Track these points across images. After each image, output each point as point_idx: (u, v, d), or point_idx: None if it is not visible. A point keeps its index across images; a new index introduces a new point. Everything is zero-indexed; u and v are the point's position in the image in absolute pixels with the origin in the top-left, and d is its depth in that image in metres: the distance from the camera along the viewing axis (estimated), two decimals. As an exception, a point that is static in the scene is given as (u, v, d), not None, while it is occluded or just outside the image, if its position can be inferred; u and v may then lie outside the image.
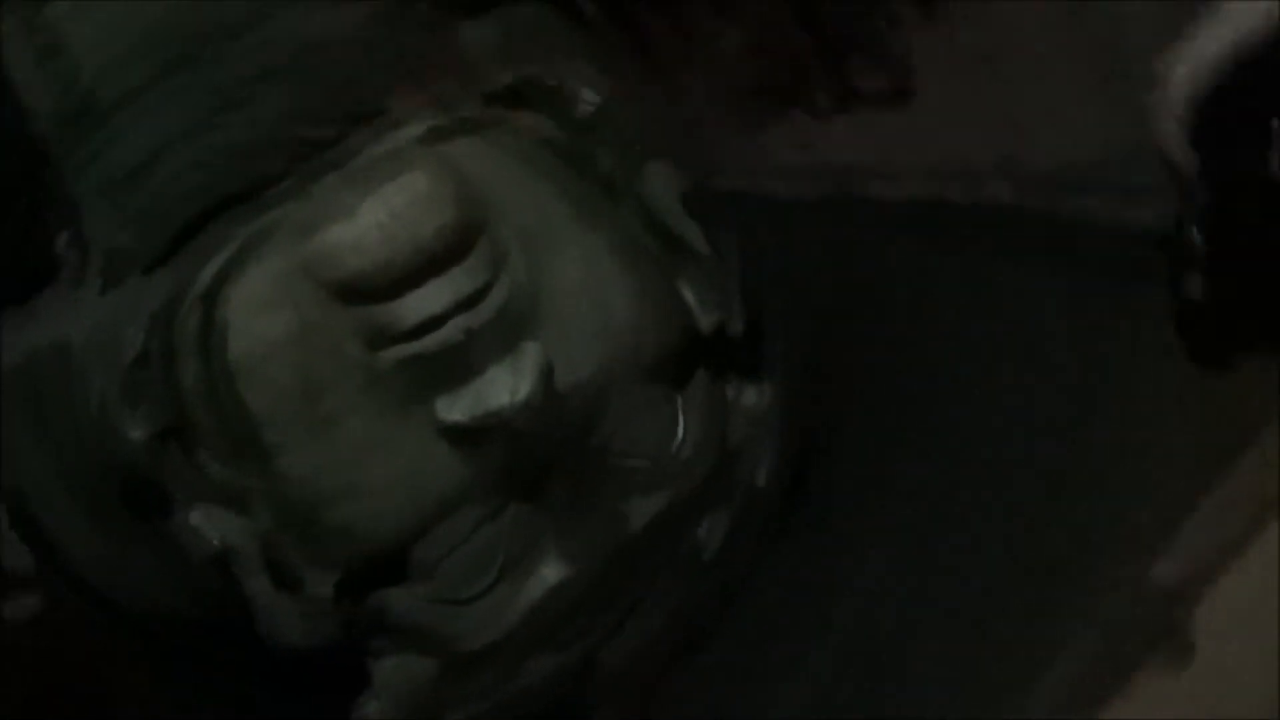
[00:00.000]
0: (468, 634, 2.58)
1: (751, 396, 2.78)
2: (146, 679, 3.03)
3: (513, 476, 2.52)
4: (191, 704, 2.95)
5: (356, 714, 2.61)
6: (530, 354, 2.46)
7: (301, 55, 2.70)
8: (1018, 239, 3.27)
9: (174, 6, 2.68)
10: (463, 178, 2.50)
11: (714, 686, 2.73)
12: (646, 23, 4.58)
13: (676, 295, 2.70)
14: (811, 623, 2.72)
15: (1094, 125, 3.41)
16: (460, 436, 2.46)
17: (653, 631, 2.71)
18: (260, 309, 2.52)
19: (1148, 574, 2.44)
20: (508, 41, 2.85)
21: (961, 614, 2.61)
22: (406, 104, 2.69)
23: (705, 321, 2.71)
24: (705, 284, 2.72)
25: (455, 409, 2.45)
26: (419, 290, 2.44)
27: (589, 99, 2.70)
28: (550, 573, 2.58)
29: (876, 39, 4.41)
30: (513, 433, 2.45)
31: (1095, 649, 2.42)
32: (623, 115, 2.73)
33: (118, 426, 2.54)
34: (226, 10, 2.69)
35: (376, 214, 2.44)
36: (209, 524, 2.54)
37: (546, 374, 2.45)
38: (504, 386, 2.44)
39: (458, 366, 2.46)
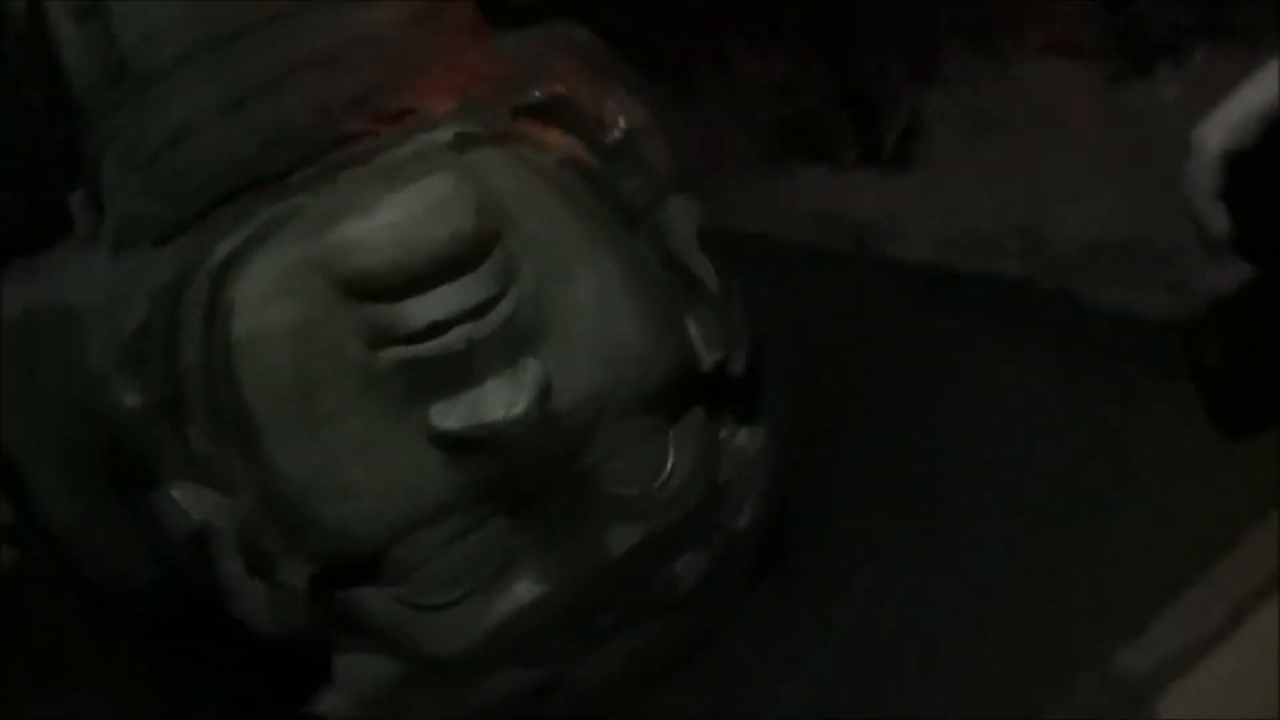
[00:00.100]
0: (435, 641, 2.57)
1: (744, 438, 2.78)
2: (101, 646, 3.04)
3: (499, 490, 2.52)
4: (144, 676, 2.96)
5: (315, 706, 2.60)
6: (530, 371, 2.46)
7: (337, 49, 2.70)
8: (1026, 315, 3.28)
9: None
10: (485, 188, 2.49)
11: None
12: (684, 53, 4.61)
13: (682, 329, 2.70)
14: (781, 666, 2.73)
15: (1115, 208, 3.43)
16: (452, 444, 2.46)
17: (619, 660, 2.71)
18: (268, 295, 2.51)
19: (1117, 663, 2.45)
20: (545, 57, 2.86)
21: (929, 684, 2.62)
22: (437, 107, 2.69)
23: (707, 358, 2.72)
24: (712, 321, 2.72)
25: (450, 417, 2.45)
26: (427, 295, 2.43)
27: (620, 126, 2.70)
28: (524, 590, 2.57)
29: (899, 97, 4.45)
30: (504, 446, 2.45)
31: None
32: (651, 145, 2.73)
33: (112, 393, 2.54)
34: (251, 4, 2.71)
35: (395, 213, 2.43)
36: (190, 501, 2.54)
37: (544, 392, 2.44)
38: (500, 400, 2.43)
39: (456, 375, 2.45)
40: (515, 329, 2.48)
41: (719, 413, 2.74)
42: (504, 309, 2.48)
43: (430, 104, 2.69)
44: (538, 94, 2.70)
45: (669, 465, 2.66)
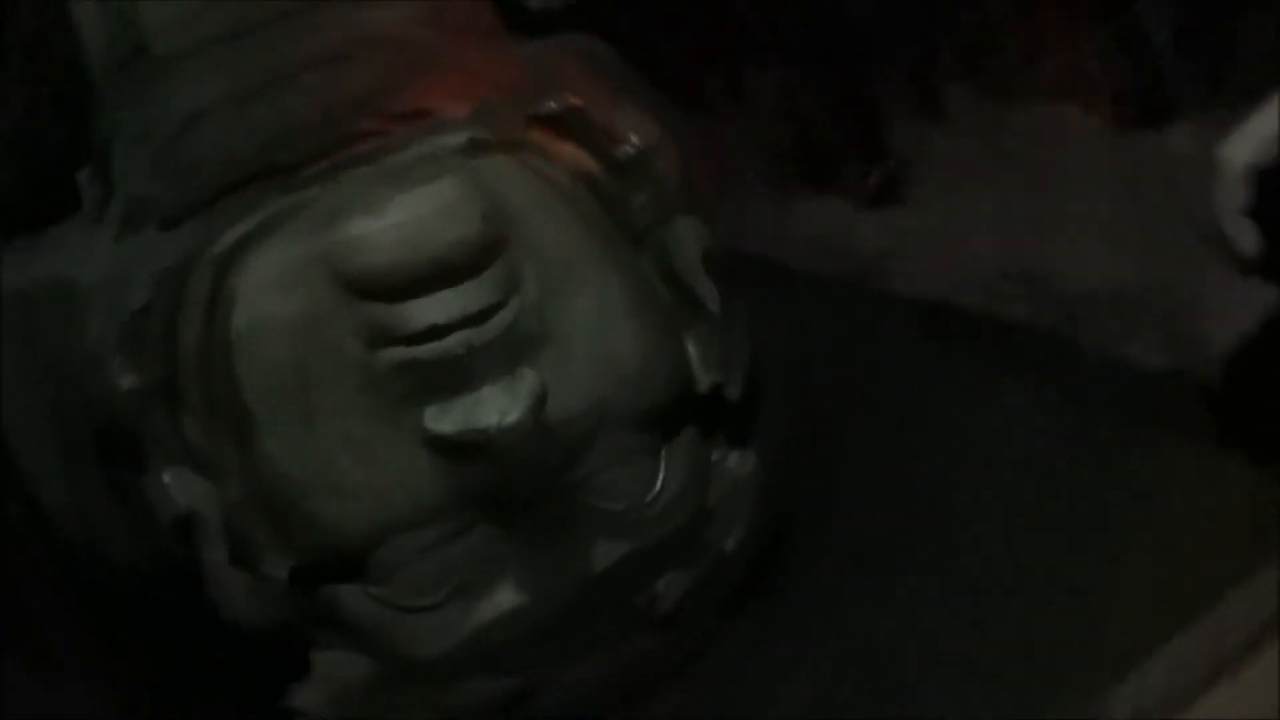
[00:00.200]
0: (414, 643, 2.57)
1: (735, 462, 2.78)
2: (75, 623, 3.04)
3: (488, 497, 2.52)
4: (123, 661, 2.96)
5: (289, 700, 2.60)
6: (526, 380, 2.46)
7: (351, 46, 2.71)
8: (1026, 359, 3.29)
9: None
10: (493, 195, 2.50)
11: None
12: (697, 71, 4.62)
13: (681, 349, 2.70)
14: (757, 701, 2.73)
15: (1120, 257, 3.45)
16: (444, 448, 2.46)
17: (596, 674, 2.71)
18: (271, 286, 2.52)
19: (1106, 703, 2.45)
20: (560, 67, 2.87)
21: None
22: (450, 111, 2.69)
23: (704, 380, 2.72)
24: (711, 343, 2.72)
25: (444, 420, 2.45)
26: (428, 297, 2.44)
27: (632, 142, 2.71)
28: (506, 598, 2.57)
29: (906, 130, 4.45)
30: (496, 454, 2.45)
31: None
32: (662, 163, 2.74)
33: (109, 373, 2.54)
34: None
35: (401, 214, 2.44)
36: (179, 486, 2.54)
37: (539, 402, 2.45)
38: (495, 407, 2.44)
39: (453, 379, 2.46)
40: (515, 337, 2.49)
41: (712, 434, 2.74)
42: (505, 317, 2.48)
43: (443, 107, 2.70)
44: (552, 104, 2.71)
45: (659, 483, 2.66)
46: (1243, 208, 2.50)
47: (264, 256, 2.54)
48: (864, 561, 2.89)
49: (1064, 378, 3.22)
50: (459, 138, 2.63)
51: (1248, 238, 2.49)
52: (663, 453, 2.67)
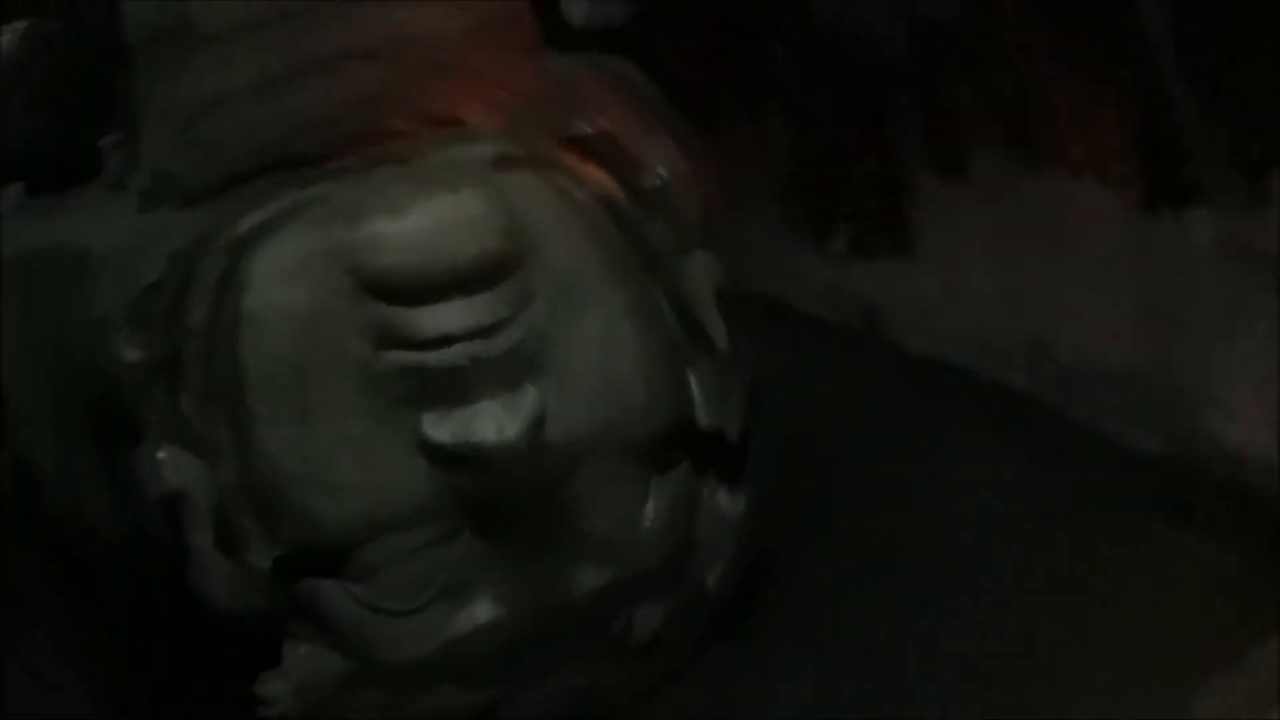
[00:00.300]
0: (388, 645, 2.57)
1: (725, 500, 2.78)
2: (51, 590, 3.04)
3: (475, 508, 2.53)
4: (89, 628, 2.96)
5: (257, 686, 2.60)
6: (528, 398, 2.48)
7: (389, 44, 2.72)
8: (1022, 427, 3.30)
9: None
10: (516, 212, 2.52)
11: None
12: (725, 109, 4.63)
13: (683, 383, 2.71)
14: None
15: (1127, 340, 3.44)
16: (438, 457, 2.47)
17: (562, 695, 2.70)
18: (284, 275, 2.53)
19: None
20: (594, 90, 2.88)
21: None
22: (483, 121, 2.70)
23: (704, 416, 2.72)
24: (714, 381, 2.73)
25: (441, 429, 2.46)
26: (440, 305, 2.46)
27: (658, 172, 2.72)
28: (483, 611, 2.58)
29: (926, 186, 4.46)
30: (489, 468, 2.46)
31: None
32: (683, 196, 2.75)
33: (114, 344, 2.55)
34: None
35: (423, 219, 2.46)
36: (172, 465, 2.55)
37: (538, 422, 2.47)
38: (494, 422, 2.45)
39: (454, 389, 2.47)
40: (520, 355, 2.50)
41: (705, 470, 2.75)
42: (513, 333, 2.49)
43: (477, 116, 2.71)
44: (583, 127, 2.72)
45: (647, 513, 2.67)
46: None
47: (280, 244, 2.55)
48: (833, 610, 2.90)
49: (1056, 451, 3.23)
50: (488, 150, 2.64)
51: None
52: (654, 483, 2.68)
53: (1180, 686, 2.47)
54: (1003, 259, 3.92)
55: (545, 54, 2.92)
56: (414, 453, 2.49)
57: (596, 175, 2.70)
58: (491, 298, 2.48)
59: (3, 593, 3.00)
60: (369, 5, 2.74)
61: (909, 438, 3.27)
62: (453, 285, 2.45)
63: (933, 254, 4.12)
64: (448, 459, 2.47)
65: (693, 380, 2.72)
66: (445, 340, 2.46)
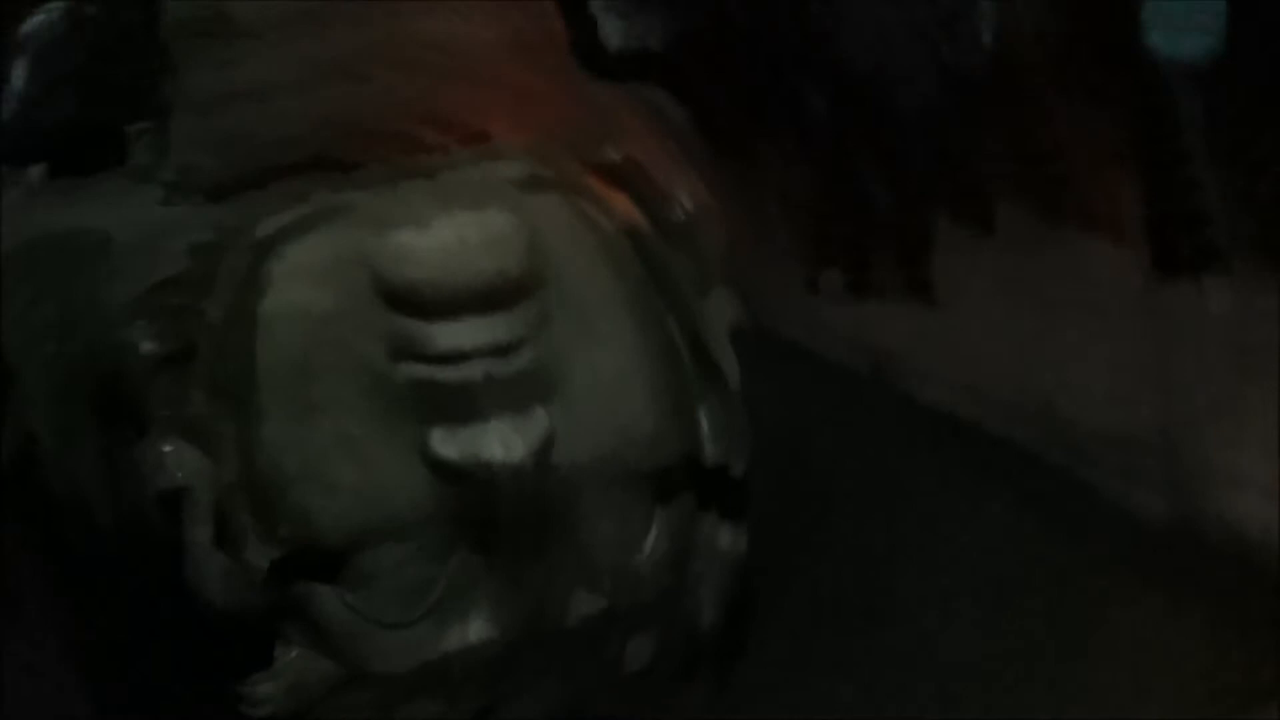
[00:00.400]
0: (378, 656, 2.57)
1: (725, 539, 2.77)
2: (43, 571, 3.04)
3: (474, 526, 2.52)
4: (86, 629, 2.96)
5: (246, 687, 2.59)
6: (537, 420, 2.48)
7: (427, 54, 2.72)
8: (1026, 483, 3.30)
9: None
10: (538, 234, 2.52)
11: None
12: (751, 140, 4.64)
13: (693, 419, 2.70)
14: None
15: (1138, 403, 3.46)
16: (443, 471, 2.47)
17: (547, 713, 2.70)
18: (305, 277, 2.53)
19: None
20: (627, 117, 2.88)
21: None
22: (514, 140, 2.71)
23: (711, 453, 2.71)
24: (723, 418, 2.72)
25: (448, 445, 2.46)
26: (457, 321, 2.46)
27: (685, 206, 2.72)
28: (475, 629, 2.57)
29: (955, 237, 4.48)
30: (492, 487, 2.46)
31: None
32: (708, 231, 2.75)
33: (129, 334, 2.55)
34: None
35: (447, 235, 2.46)
36: (177, 459, 2.54)
37: (546, 444, 2.47)
38: (501, 441, 2.45)
39: (465, 406, 2.47)
40: (532, 377, 2.50)
41: (707, 508, 2.74)
42: (527, 354, 2.49)
43: (506, 134, 2.71)
44: (614, 155, 2.72)
45: (647, 546, 2.66)
46: None
47: (304, 248, 2.55)
48: (816, 662, 2.91)
49: (1059, 509, 3.24)
50: (515, 170, 2.64)
51: None
52: (656, 515, 2.68)
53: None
54: (1017, 313, 3.94)
55: (580, 77, 2.93)
56: (416, 464, 2.49)
57: (622, 204, 2.70)
58: (508, 318, 2.48)
59: (3, 593, 3.00)
60: (406, 13, 2.75)
61: (910, 487, 3.28)
62: (471, 302, 2.45)
63: (948, 302, 4.14)
64: (453, 474, 2.47)
65: (702, 415, 2.71)
66: (459, 356, 2.46)
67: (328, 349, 2.52)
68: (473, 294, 2.45)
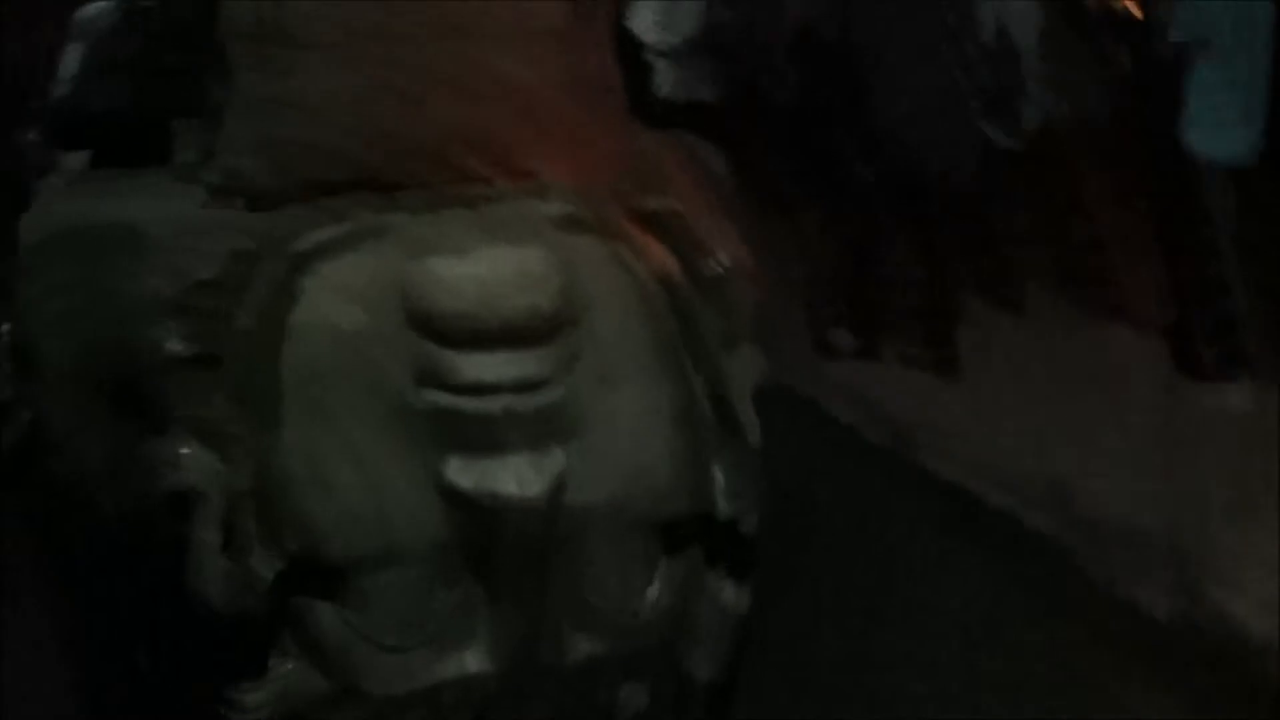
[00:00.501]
0: (373, 678, 2.56)
1: (730, 596, 2.77)
2: (48, 590, 3.05)
3: (478, 559, 2.53)
4: (86, 629, 2.96)
5: (237, 693, 2.59)
6: (553, 459, 2.49)
7: (487, 84, 2.73)
8: (1031, 567, 3.30)
9: None
10: (573, 275, 2.53)
11: None
12: (788, 199, 4.67)
13: (708, 473, 2.70)
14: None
15: (1150, 497, 3.46)
16: (455, 500, 2.48)
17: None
18: (339, 294, 2.54)
19: None
20: (672, 167, 2.89)
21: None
22: (557, 179, 2.72)
23: (723, 509, 2.71)
24: (740, 475, 2.72)
25: (464, 475, 2.47)
26: (484, 353, 2.47)
27: (720, 260, 2.73)
28: (472, 661, 2.57)
29: (971, 314, 4.49)
30: (504, 521, 2.47)
31: None
32: (740, 288, 2.76)
33: (158, 332, 2.55)
34: (429, 9, 2.74)
35: (483, 268, 2.48)
36: (193, 461, 2.54)
37: (559, 484, 2.48)
38: (516, 477, 2.46)
39: (483, 438, 2.47)
40: (553, 416, 2.51)
41: (714, 562, 2.75)
42: (550, 394, 2.50)
43: (553, 173, 2.72)
44: (654, 203, 2.73)
45: (651, 593, 2.66)
46: None
47: (340, 265, 2.56)
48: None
49: (1061, 593, 3.24)
50: (556, 209, 2.66)
51: None
52: (663, 565, 2.68)
53: None
54: (1038, 395, 3.95)
55: (629, 123, 2.93)
56: (428, 491, 2.50)
57: (659, 252, 2.71)
58: (536, 355, 2.49)
59: (2, 593, 3.00)
60: (467, 44, 2.75)
61: (914, 560, 3.28)
62: (500, 336, 2.47)
63: (969, 379, 4.15)
64: (465, 505, 2.47)
65: (717, 471, 2.72)
66: (483, 388, 2.47)
67: (353, 367, 2.53)
68: (503, 328, 2.46)
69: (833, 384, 4.02)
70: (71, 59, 3.52)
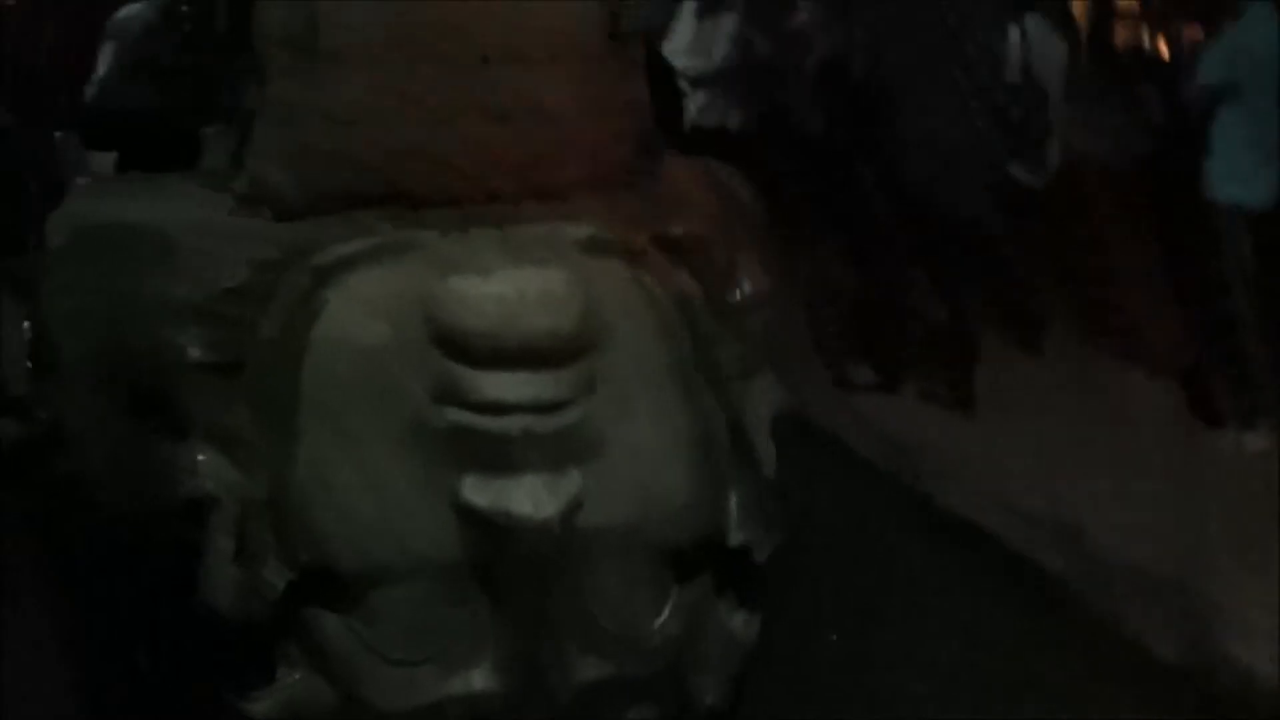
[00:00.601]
0: (379, 691, 2.56)
1: (739, 623, 2.77)
2: (48, 590, 3.05)
3: (489, 577, 2.53)
4: (86, 629, 2.96)
5: (244, 698, 2.60)
6: (570, 481, 2.48)
7: (519, 107, 2.73)
8: (1037, 605, 3.30)
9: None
10: (596, 298, 2.53)
11: None
12: (812, 229, 4.67)
13: (723, 500, 2.70)
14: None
15: (1161, 542, 3.46)
16: (470, 518, 2.48)
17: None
18: (362, 309, 2.54)
19: None
20: (699, 193, 2.90)
21: None
22: (585, 202, 2.72)
23: (736, 536, 2.71)
24: (754, 503, 2.72)
25: (480, 493, 2.47)
26: (505, 373, 2.46)
27: (744, 289, 2.74)
28: (478, 680, 2.56)
29: (1001, 349, 4.49)
30: (517, 540, 2.47)
31: None
32: (761, 316, 2.77)
33: (181, 338, 2.57)
34: (464, 11, 2.74)
35: (507, 287, 2.48)
36: (210, 468, 2.55)
37: (574, 507, 2.47)
38: (532, 497, 2.46)
39: (500, 457, 2.47)
40: (570, 438, 2.50)
41: (725, 589, 2.75)
42: (569, 415, 2.50)
43: (581, 196, 2.73)
44: (679, 229, 2.74)
45: (660, 619, 2.66)
46: None
47: (364, 279, 2.57)
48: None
49: (1067, 628, 3.24)
50: (583, 231, 2.66)
51: None
52: (674, 591, 2.68)
53: None
54: (1053, 435, 3.95)
55: (658, 148, 2.94)
56: (442, 508, 2.50)
57: (681, 278, 2.72)
58: (556, 377, 2.49)
59: (2, 593, 3.01)
60: (501, 65, 2.76)
61: (919, 592, 3.28)
62: (521, 356, 2.47)
63: (988, 416, 4.15)
64: (479, 523, 2.47)
65: (732, 498, 2.72)
66: (502, 407, 2.47)
67: (373, 382, 2.53)
68: (524, 348, 2.46)
69: (851, 417, 4.02)
70: (105, 59, 3.53)
